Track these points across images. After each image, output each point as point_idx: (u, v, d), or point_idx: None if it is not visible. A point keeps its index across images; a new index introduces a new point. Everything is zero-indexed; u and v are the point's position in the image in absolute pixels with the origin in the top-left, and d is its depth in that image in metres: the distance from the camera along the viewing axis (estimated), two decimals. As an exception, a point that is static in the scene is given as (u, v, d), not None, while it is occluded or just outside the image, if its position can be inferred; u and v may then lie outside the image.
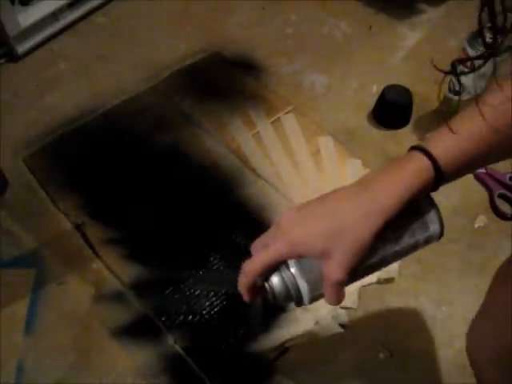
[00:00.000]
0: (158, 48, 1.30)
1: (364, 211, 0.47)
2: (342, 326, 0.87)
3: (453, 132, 0.48)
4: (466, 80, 1.06)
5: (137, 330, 0.86)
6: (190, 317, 0.87)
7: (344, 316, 0.88)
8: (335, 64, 1.28)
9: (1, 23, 1.17)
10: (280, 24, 1.38)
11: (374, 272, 0.52)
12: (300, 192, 1.03)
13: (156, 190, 1.04)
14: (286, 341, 0.85)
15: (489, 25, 0.43)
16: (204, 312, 0.88)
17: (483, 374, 0.63)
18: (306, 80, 1.25)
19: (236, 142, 1.11)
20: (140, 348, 0.84)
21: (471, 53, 1.01)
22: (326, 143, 1.12)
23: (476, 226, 1.00)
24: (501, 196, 1.03)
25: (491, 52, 0.44)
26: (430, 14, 1.40)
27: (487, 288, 0.64)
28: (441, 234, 0.52)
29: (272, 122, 1.15)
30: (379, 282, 0.92)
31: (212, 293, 0.90)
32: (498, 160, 0.53)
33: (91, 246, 0.95)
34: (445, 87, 1.11)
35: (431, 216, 0.51)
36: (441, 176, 0.48)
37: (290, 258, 0.49)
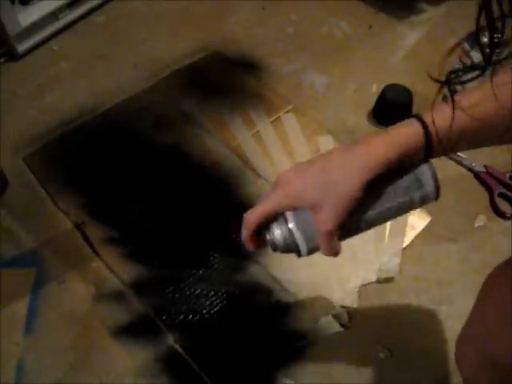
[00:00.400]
0: (158, 47, 1.30)
1: (353, 166, 0.51)
2: (342, 325, 0.87)
3: (453, 103, 0.50)
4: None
5: (137, 330, 0.86)
6: (190, 316, 0.87)
7: (344, 316, 0.88)
8: (335, 63, 1.29)
9: (1, 22, 1.17)
10: (280, 23, 1.38)
11: (371, 228, 0.56)
12: (300, 191, 1.03)
13: (156, 189, 1.04)
14: (287, 340, 0.85)
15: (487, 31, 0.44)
16: (204, 311, 0.88)
17: (471, 383, 0.63)
18: (306, 79, 1.25)
19: (236, 141, 1.11)
20: (140, 347, 0.84)
21: (471, 52, 1.01)
22: (326, 142, 1.12)
23: (476, 225, 1.00)
24: (501, 195, 1.03)
25: (488, 61, 0.45)
26: (430, 14, 1.40)
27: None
28: (436, 195, 0.54)
29: (272, 122, 1.15)
30: (379, 281, 0.92)
31: (212, 292, 0.90)
32: (490, 143, 0.56)
33: (91, 246, 0.95)
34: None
35: (426, 176, 0.53)
36: (430, 142, 0.51)
37: (288, 209, 0.53)
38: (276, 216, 0.54)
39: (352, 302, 0.89)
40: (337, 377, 0.83)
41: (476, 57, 1.00)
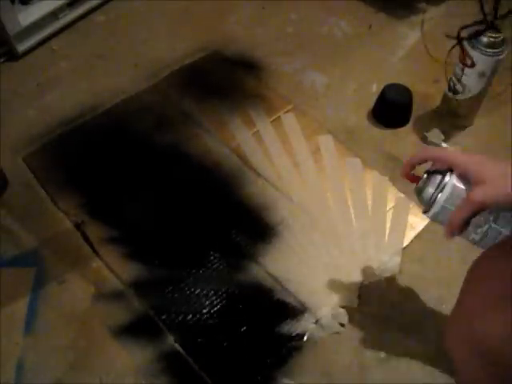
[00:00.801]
0: (158, 47, 1.31)
1: None
2: (342, 325, 0.87)
3: None
4: (467, 79, 1.06)
5: (137, 329, 0.86)
6: (190, 316, 0.87)
7: (344, 315, 0.88)
8: (335, 63, 1.29)
9: (1, 22, 1.18)
10: (280, 23, 1.38)
11: (480, 243, 0.62)
12: (300, 191, 1.03)
13: (156, 189, 1.04)
14: (287, 340, 0.86)
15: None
16: (204, 311, 0.88)
17: (461, 368, 0.64)
18: (306, 79, 1.25)
19: (236, 140, 1.11)
20: (140, 347, 0.84)
21: (471, 52, 1.01)
22: (326, 142, 1.12)
23: (476, 225, 1.00)
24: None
25: (495, 14, 0.47)
26: (430, 13, 1.40)
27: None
28: None
29: (272, 121, 1.15)
30: (379, 280, 0.92)
31: (212, 292, 0.90)
32: None
33: (91, 245, 0.95)
34: (445, 85, 1.11)
35: None
36: None
37: (460, 168, 0.59)
38: (445, 171, 0.60)
39: (352, 302, 0.89)
40: (337, 377, 0.83)
41: (476, 56, 1.00)
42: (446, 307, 0.89)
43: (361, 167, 1.07)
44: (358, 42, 1.34)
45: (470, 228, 0.60)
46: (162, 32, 1.34)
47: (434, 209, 0.61)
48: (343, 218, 1.00)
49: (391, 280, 0.93)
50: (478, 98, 1.10)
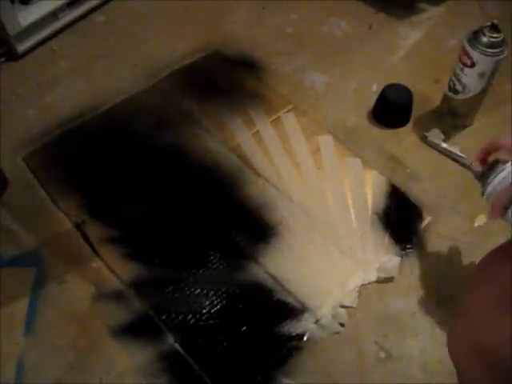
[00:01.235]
0: (158, 47, 1.30)
1: None
2: (341, 325, 0.87)
3: None
4: (467, 79, 1.05)
5: (137, 329, 0.86)
6: (190, 316, 0.87)
7: (344, 315, 0.88)
8: (335, 63, 1.29)
9: (1, 22, 1.18)
10: (280, 23, 1.38)
11: None
12: (300, 191, 1.03)
13: (156, 189, 1.04)
14: (287, 340, 0.86)
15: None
16: (204, 311, 0.88)
17: (463, 372, 0.64)
18: (306, 79, 1.25)
19: (236, 140, 1.11)
20: (140, 347, 0.84)
21: (471, 52, 1.01)
22: (326, 142, 1.12)
23: (476, 224, 1.00)
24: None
25: None
26: (430, 13, 1.40)
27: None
28: None
29: (272, 121, 1.15)
30: (379, 281, 0.92)
31: (212, 292, 0.90)
32: None
33: (91, 245, 0.95)
34: (445, 85, 1.11)
35: None
36: None
37: None
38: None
39: (352, 302, 0.89)
40: (337, 377, 0.83)
41: (476, 56, 1.00)
42: (446, 307, 0.89)
43: (361, 167, 1.07)
44: (358, 42, 1.34)
45: (510, 213, 0.66)
46: (161, 32, 1.34)
47: (487, 190, 0.69)
48: (343, 218, 1.00)
49: (391, 280, 0.93)
50: (478, 98, 1.10)
